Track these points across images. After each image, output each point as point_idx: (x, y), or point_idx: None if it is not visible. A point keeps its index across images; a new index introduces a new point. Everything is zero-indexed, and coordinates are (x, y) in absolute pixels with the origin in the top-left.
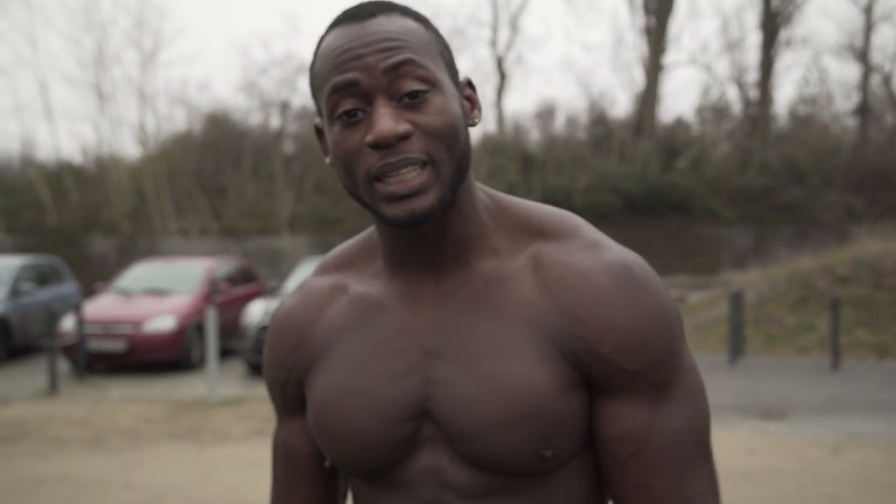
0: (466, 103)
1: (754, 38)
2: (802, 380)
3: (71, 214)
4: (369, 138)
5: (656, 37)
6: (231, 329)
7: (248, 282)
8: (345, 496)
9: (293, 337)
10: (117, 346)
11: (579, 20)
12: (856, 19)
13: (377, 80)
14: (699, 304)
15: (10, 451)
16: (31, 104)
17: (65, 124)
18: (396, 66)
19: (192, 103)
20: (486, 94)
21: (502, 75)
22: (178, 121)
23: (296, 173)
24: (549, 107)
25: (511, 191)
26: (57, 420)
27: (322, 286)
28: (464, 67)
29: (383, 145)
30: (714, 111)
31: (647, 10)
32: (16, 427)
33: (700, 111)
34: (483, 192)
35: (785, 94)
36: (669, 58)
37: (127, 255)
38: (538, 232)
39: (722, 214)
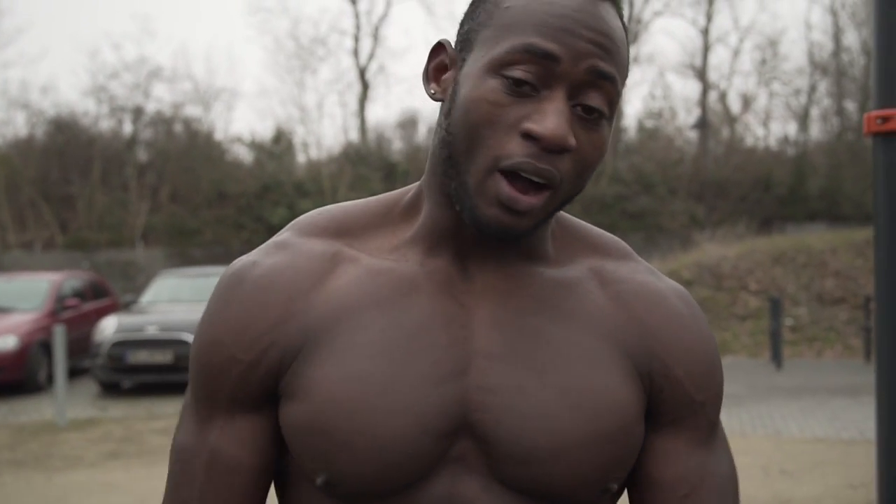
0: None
1: None
2: None
3: None
4: (536, 127)
5: None
6: (82, 347)
7: (99, 297)
8: None
9: (279, 306)
10: None
11: (440, 32)
12: (695, 40)
13: (577, 73)
14: None
15: None
16: None
17: None
18: (603, 75)
19: (34, 107)
20: (348, 103)
21: (365, 85)
22: (18, 125)
23: (150, 182)
24: (412, 117)
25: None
26: None
27: (319, 250)
28: (325, 77)
29: (546, 144)
30: None
31: None
32: None
33: None
34: None
35: (634, 108)
36: None
37: None
38: (594, 248)
39: None
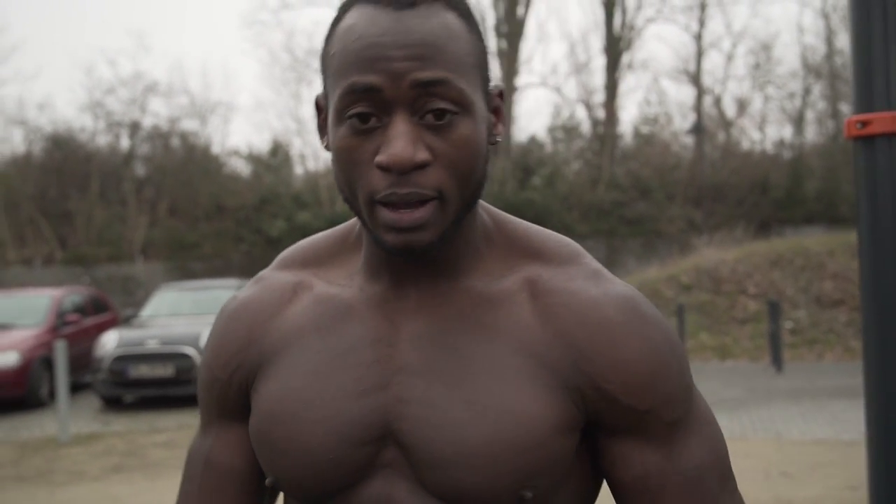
0: (492, 117)
1: (599, 62)
2: None
3: None
4: (381, 158)
5: (509, 59)
6: (83, 362)
7: (99, 312)
8: None
9: (244, 333)
10: None
11: None
12: (689, 45)
13: (403, 92)
14: None
15: None
16: None
17: None
18: (428, 84)
19: (31, 124)
20: None
21: None
22: (15, 143)
23: (148, 196)
24: None
25: None
26: None
27: (284, 281)
28: (320, 88)
29: (397, 169)
30: (565, 130)
31: (499, 33)
32: None
33: (552, 130)
34: (485, 211)
35: (629, 114)
36: (522, 80)
37: None
38: (536, 255)
39: (575, 228)
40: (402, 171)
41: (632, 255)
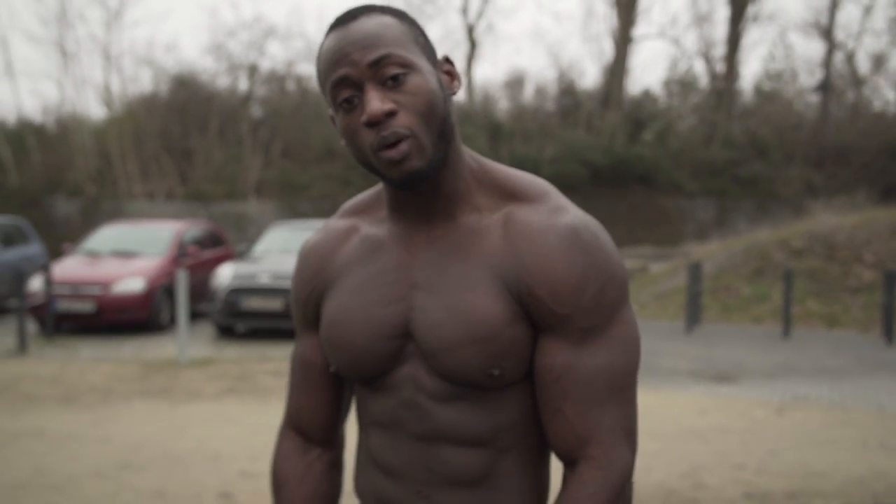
0: (445, 77)
1: (723, 13)
2: (754, 347)
3: (33, 175)
4: (363, 118)
5: (626, 9)
6: (199, 292)
7: (216, 245)
8: (349, 402)
9: (314, 266)
10: (86, 306)
11: None
12: None
13: (364, 72)
14: (659, 275)
15: None
16: None
17: (27, 83)
18: (377, 61)
19: (158, 64)
20: (456, 61)
21: (472, 43)
22: (143, 82)
23: (263, 138)
24: (519, 76)
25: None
26: (28, 378)
27: (340, 227)
28: (434, 35)
29: (374, 122)
30: (681, 84)
31: None
32: None
33: (667, 84)
34: (471, 157)
35: (751, 70)
36: (639, 30)
37: (91, 218)
38: (513, 195)
39: (685, 187)
40: (378, 120)
41: (743, 216)
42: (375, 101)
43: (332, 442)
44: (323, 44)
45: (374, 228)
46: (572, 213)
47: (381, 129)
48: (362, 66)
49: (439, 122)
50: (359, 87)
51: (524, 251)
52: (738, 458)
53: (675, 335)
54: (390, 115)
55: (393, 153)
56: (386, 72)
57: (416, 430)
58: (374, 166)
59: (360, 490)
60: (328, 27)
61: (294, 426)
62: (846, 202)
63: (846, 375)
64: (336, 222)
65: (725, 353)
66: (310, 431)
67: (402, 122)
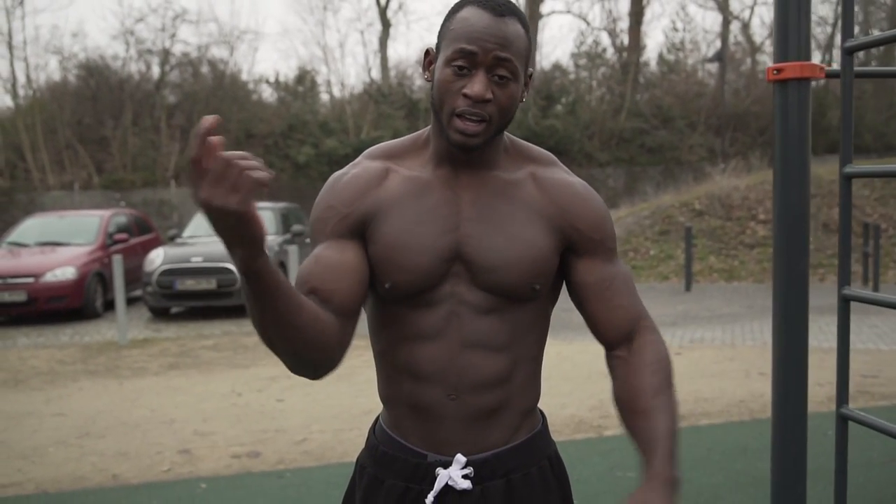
0: (525, 88)
1: None
2: (659, 300)
3: None
4: (468, 90)
5: None
6: (131, 277)
7: (143, 232)
8: (365, 297)
9: (361, 189)
10: (17, 296)
11: None
12: None
13: (487, 59)
14: None
15: None
16: None
17: None
18: (500, 59)
19: (65, 52)
20: (369, 42)
21: (385, 23)
22: (51, 70)
23: (180, 123)
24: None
25: (396, 136)
26: None
27: (376, 166)
28: (346, 16)
29: (474, 98)
30: (589, 57)
31: None
32: None
33: (576, 57)
34: (506, 134)
35: (655, 42)
36: (546, 6)
37: (5, 211)
38: (530, 158)
39: (596, 156)
40: (478, 100)
41: (651, 182)
42: (482, 86)
43: (346, 328)
44: (466, 7)
45: (416, 172)
46: (575, 175)
47: (474, 106)
48: (489, 56)
49: (508, 120)
50: (475, 65)
51: (563, 199)
52: None
53: None
54: (486, 101)
55: (470, 127)
56: (499, 70)
57: (455, 339)
58: (443, 120)
59: (388, 398)
60: (479, 1)
61: (306, 291)
62: (742, 165)
63: (738, 320)
64: (369, 162)
65: None
66: (336, 306)
67: (490, 109)
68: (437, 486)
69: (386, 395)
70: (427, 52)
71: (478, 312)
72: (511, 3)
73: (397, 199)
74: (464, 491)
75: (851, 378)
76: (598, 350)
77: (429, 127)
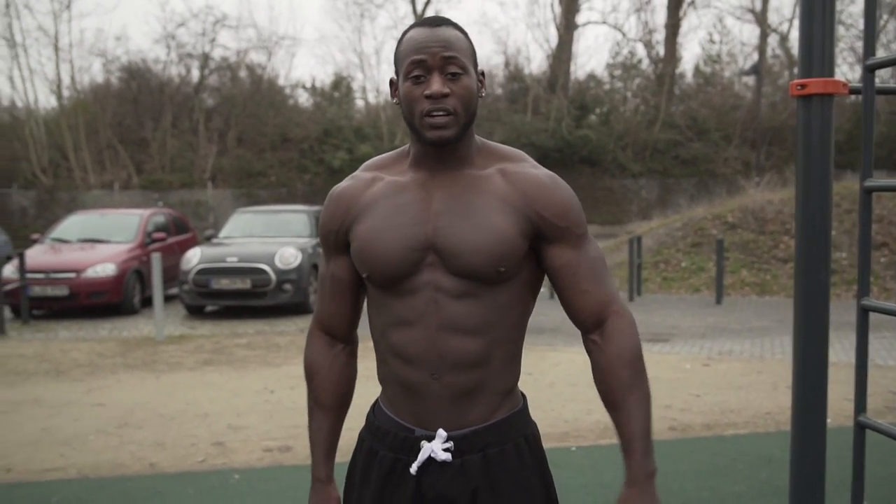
0: (480, 84)
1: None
2: (689, 312)
3: None
4: (427, 92)
5: None
6: (168, 275)
7: (181, 232)
8: (361, 312)
9: (344, 205)
10: (59, 291)
11: None
12: None
13: (436, 62)
14: (603, 250)
15: None
16: None
17: None
18: (447, 58)
19: (109, 55)
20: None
21: None
22: (94, 73)
23: (217, 126)
24: None
25: None
26: (13, 357)
27: (366, 177)
28: (383, 23)
29: (434, 97)
30: (624, 68)
31: None
32: None
33: (611, 68)
34: (477, 136)
35: (691, 53)
36: (582, 17)
37: (47, 209)
38: (501, 157)
39: (629, 167)
40: (437, 97)
41: (684, 194)
42: (438, 83)
43: (350, 339)
44: (407, 32)
45: (397, 177)
46: (544, 168)
47: (435, 103)
48: (437, 58)
49: (471, 111)
50: (428, 70)
51: (528, 189)
52: (666, 400)
53: None
54: (445, 96)
55: (438, 119)
56: (450, 68)
57: (433, 323)
58: (417, 126)
59: (382, 378)
60: (415, 24)
61: (322, 328)
62: (777, 179)
63: (768, 333)
64: (361, 174)
65: (662, 318)
66: (335, 331)
67: (451, 103)
68: (421, 457)
69: (380, 376)
70: (391, 82)
71: (453, 297)
72: (445, 17)
73: (375, 201)
74: (444, 462)
75: (881, 394)
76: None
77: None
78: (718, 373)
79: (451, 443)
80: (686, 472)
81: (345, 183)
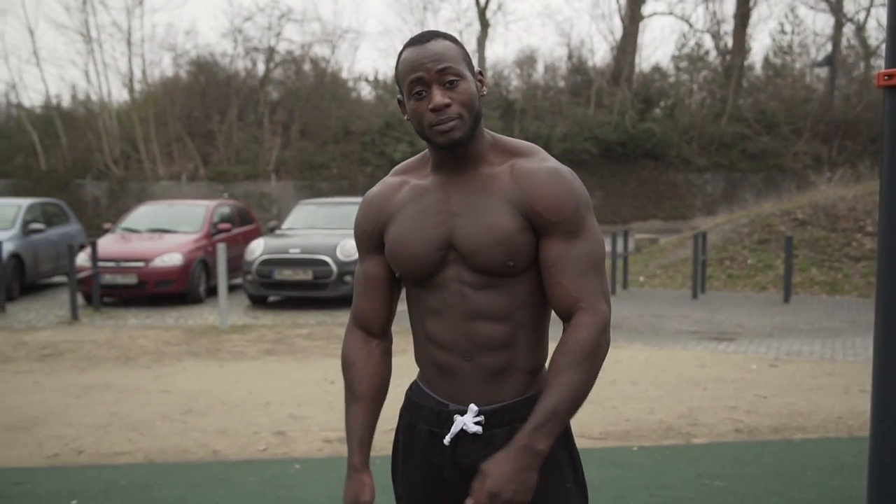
0: (479, 84)
1: None
2: (755, 311)
3: (61, 159)
4: (430, 106)
5: None
6: (232, 266)
7: (245, 223)
8: (395, 303)
9: (376, 208)
10: (129, 279)
11: None
12: None
13: (433, 76)
14: (667, 246)
15: (52, 366)
16: (18, 49)
17: (52, 69)
18: (442, 70)
19: (178, 49)
20: (468, 42)
21: (484, 24)
22: (164, 67)
23: (282, 119)
24: (530, 55)
25: None
26: (85, 343)
27: (394, 181)
28: (446, 16)
29: (437, 109)
30: (690, 60)
31: None
32: (51, 348)
33: (677, 60)
34: (489, 133)
35: (760, 45)
36: (648, 8)
37: (118, 199)
38: (514, 153)
39: (695, 162)
40: (440, 108)
41: (751, 189)
42: (439, 96)
43: (385, 335)
44: (403, 53)
45: (420, 181)
46: (553, 161)
47: (440, 114)
48: (432, 73)
49: (475, 111)
50: (427, 85)
51: (525, 184)
52: (732, 402)
53: (682, 302)
54: (447, 106)
55: (445, 127)
56: (446, 78)
57: (461, 312)
58: (428, 136)
59: (419, 360)
60: (407, 43)
61: (358, 324)
62: (850, 174)
63: (840, 335)
64: (390, 178)
65: (727, 317)
66: (370, 326)
67: (455, 109)
68: (454, 429)
69: (418, 358)
70: (399, 102)
71: (477, 288)
72: (432, 31)
73: (402, 205)
74: (475, 434)
75: None
76: (687, 357)
77: None
78: (786, 374)
79: (482, 416)
80: (752, 475)
81: (376, 188)
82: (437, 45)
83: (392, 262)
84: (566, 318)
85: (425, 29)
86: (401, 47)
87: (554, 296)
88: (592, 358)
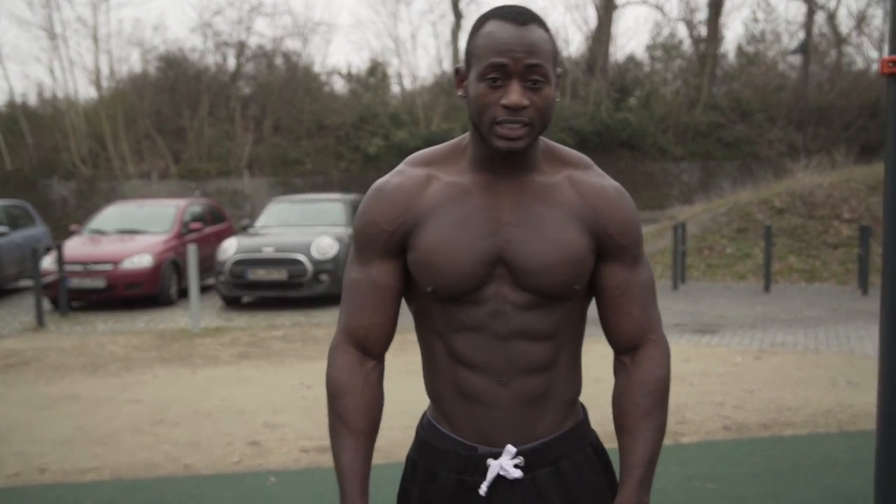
0: (556, 88)
1: None
2: (736, 301)
3: (27, 158)
4: (505, 101)
5: None
6: (204, 266)
7: (217, 221)
8: (397, 317)
9: (403, 203)
10: (97, 283)
11: None
12: None
13: (518, 68)
14: (646, 236)
15: (16, 377)
16: None
17: (16, 67)
18: (531, 66)
19: (146, 44)
20: (441, 34)
21: (458, 15)
22: (132, 63)
23: (254, 114)
24: None
25: (466, 129)
26: (52, 351)
27: (418, 174)
28: (418, 8)
29: (512, 109)
30: (664, 49)
31: None
32: (14, 357)
33: (651, 50)
34: (541, 138)
35: (734, 33)
36: None
37: (87, 199)
38: (567, 162)
39: (671, 151)
40: (516, 109)
41: (727, 177)
42: (517, 94)
43: (383, 356)
44: (487, 23)
45: (455, 178)
46: (610, 178)
47: (512, 114)
48: (520, 65)
49: (546, 121)
50: (507, 75)
51: (596, 201)
52: (719, 397)
53: (662, 293)
54: (523, 108)
55: (513, 131)
56: (532, 76)
57: (500, 332)
58: (484, 132)
59: (436, 390)
60: (497, 13)
61: (354, 342)
62: (826, 161)
63: (822, 324)
64: (412, 170)
65: (709, 308)
66: (371, 346)
67: (529, 114)
68: (490, 475)
69: (433, 388)
70: (457, 71)
71: (522, 309)
72: (530, 9)
73: (438, 206)
74: (515, 480)
75: None
76: (675, 352)
77: (467, 133)
78: (772, 367)
79: (521, 458)
80: (744, 475)
81: (395, 179)
82: (534, 34)
83: (425, 272)
84: (629, 349)
85: (398, 20)
86: (481, 17)
87: (619, 325)
88: (667, 394)
